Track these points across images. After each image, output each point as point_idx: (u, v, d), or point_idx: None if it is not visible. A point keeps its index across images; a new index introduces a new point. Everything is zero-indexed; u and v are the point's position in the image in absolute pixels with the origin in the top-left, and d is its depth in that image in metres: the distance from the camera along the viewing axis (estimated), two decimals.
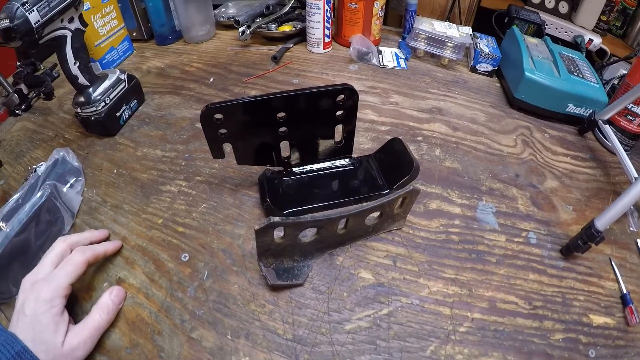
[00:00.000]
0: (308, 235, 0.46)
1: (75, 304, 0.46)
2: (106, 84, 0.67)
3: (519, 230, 0.56)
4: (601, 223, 0.50)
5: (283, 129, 0.53)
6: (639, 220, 0.60)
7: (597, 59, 0.96)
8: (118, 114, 0.70)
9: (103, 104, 0.66)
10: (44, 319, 0.39)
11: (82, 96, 0.65)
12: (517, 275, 0.50)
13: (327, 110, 0.52)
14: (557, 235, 0.56)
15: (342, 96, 0.51)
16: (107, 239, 0.52)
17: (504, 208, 0.58)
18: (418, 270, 0.50)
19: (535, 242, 0.54)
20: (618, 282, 0.51)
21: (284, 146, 0.55)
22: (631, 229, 0.58)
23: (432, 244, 0.53)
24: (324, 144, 0.57)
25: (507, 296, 0.48)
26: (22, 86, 0.72)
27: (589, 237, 0.50)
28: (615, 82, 0.85)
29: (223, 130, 0.50)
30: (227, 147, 0.53)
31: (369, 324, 0.45)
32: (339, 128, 0.56)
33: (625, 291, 0.50)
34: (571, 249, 0.52)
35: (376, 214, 0.49)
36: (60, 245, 0.45)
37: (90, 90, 0.65)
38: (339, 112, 0.53)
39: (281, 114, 0.51)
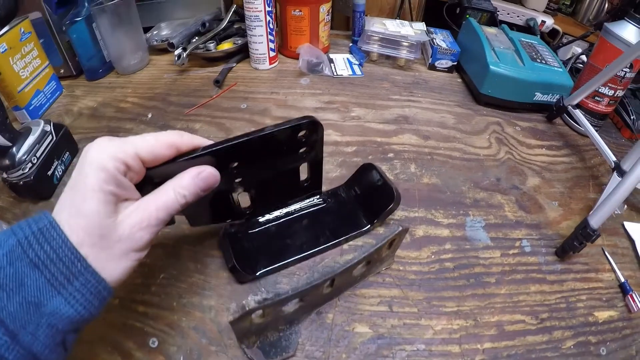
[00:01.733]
0: (291, 304, 0.39)
1: None
2: (30, 139, 0.58)
3: (512, 241, 0.53)
4: (595, 221, 0.49)
5: (238, 179, 0.45)
6: (622, 203, 0.59)
7: (550, 40, 0.95)
8: (49, 172, 0.60)
9: (30, 164, 0.56)
10: (89, 182, 0.28)
11: (6, 159, 0.55)
12: (518, 291, 0.48)
13: (287, 149, 0.45)
14: (549, 237, 0.54)
15: (304, 132, 0.44)
16: None
17: (493, 219, 0.55)
18: (417, 311, 0.45)
19: (529, 250, 0.52)
20: (614, 271, 0.51)
21: (243, 196, 0.48)
22: (616, 212, 0.58)
23: (427, 277, 0.48)
24: (289, 185, 0.50)
25: (513, 316, 0.46)
26: None
27: (584, 236, 0.49)
28: (574, 62, 0.85)
29: None
30: None
31: None
32: (304, 166, 0.49)
33: (622, 279, 0.50)
34: (567, 250, 0.51)
35: (363, 263, 0.43)
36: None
37: (14, 150, 0.55)
38: (302, 150, 0.46)
39: (233, 164, 0.43)
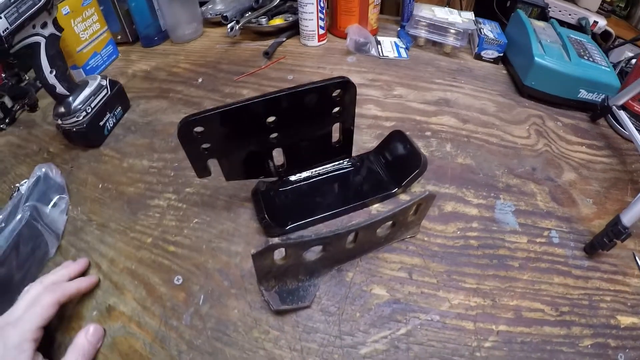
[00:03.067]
0: (313, 252, 0.41)
1: (66, 334, 0.42)
2: (86, 91, 0.62)
3: (541, 230, 0.52)
4: (627, 219, 0.47)
5: (274, 135, 0.47)
6: None
7: (602, 42, 0.92)
8: (101, 123, 0.65)
9: (84, 113, 0.61)
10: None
11: (62, 106, 0.60)
12: (541, 280, 0.47)
13: (322, 108, 0.47)
14: (579, 232, 0.52)
15: (339, 91, 0.46)
16: (86, 268, 0.48)
17: (523, 206, 0.55)
18: (436, 282, 0.46)
19: (557, 242, 0.51)
20: None
21: (277, 154, 0.50)
22: None
23: (450, 251, 0.49)
24: (321, 146, 0.52)
25: (533, 303, 0.45)
26: (6, 99, 0.71)
27: (615, 234, 0.47)
28: (623, 64, 0.82)
29: (205, 145, 0.44)
30: (214, 162, 0.47)
31: (387, 347, 0.40)
32: (337, 127, 0.51)
33: None
34: (596, 247, 0.49)
35: (389, 223, 0.44)
36: (35, 288, 0.41)
37: (70, 99, 0.60)
38: (336, 109, 0.48)
39: (270, 119, 0.45)
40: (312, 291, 0.43)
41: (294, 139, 0.49)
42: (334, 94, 0.46)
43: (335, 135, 0.52)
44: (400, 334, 0.41)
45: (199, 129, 0.42)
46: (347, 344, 0.40)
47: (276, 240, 0.35)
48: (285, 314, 0.43)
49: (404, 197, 0.54)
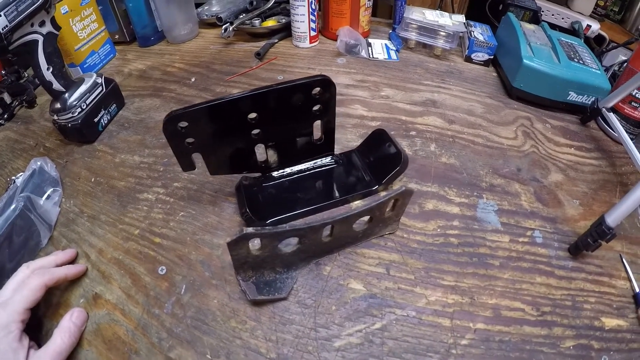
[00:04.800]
0: (290, 245, 0.42)
1: (54, 320, 0.44)
2: (82, 88, 0.64)
3: (524, 229, 0.52)
4: (612, 219, 0.46)
5: (256, 131, 0.48)
6: None
7: (596, 46, 0.92)
8: (96, 119, 0.66)
9: (79, 109, 0.63)
10: (0, 345, 0.36)
11: (58, 102, 0.61)
12: (522, 279, 0.47)
13: (302, 105, 0.48)
14: (564, 232, 0.52)
15: (319, 89, 0.47)
16: (74, 259, 0.49)
17: (507, 205, 0.55)
18: (414, 278, 0.46)
19: (541, 242, 0.51)
20: (630, 281, 0.48)
21: (260, 150, 0.51)
22: None
23: (429, 248, 0.49)
24: (304, 143, 0.53)
25: (513, 302, 0.45)
26: (5, 95, 0.73)
27: (599, 234, 0.46)
28: (616, 68, 0.82)
29: (190, 140, 0.45)
30: (198, 156, 0.48)
31: (361, 340, 0.41)
32: (318, 124, 0.51)
33: (637, 290, 0.47)
34: (580, 248, 0.49)
35: (365, 218, 0.44)
36: (23, 271, 0.43)
37: (66, 96, 0.62)
38: (316, 107, 0.49)
39: (252, 115, 0.46)
40: (289, 283, 0.43)
41: (276, 136, 0.50)
42: (314, 92, 0.47)
43: (318, 133, 0.53)
44: (375, 329, 0.42)
45: (183, 123, 0.43)
46: (322, 337, 0.41)
47: (250, 229, 0.36)
48: (263, 305, 0.43)
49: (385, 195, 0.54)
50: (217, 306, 0.43)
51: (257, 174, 0.54)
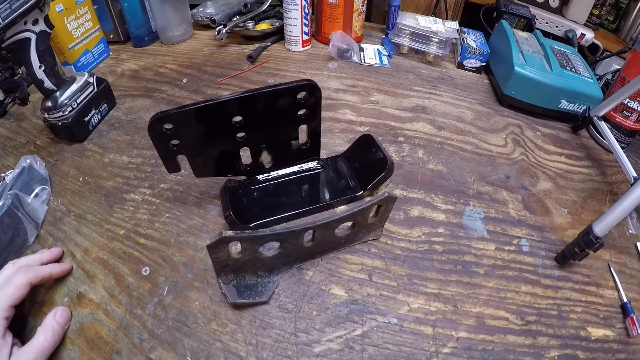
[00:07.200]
0: (271, 249, 0.41)
1: (38, 318, 0.44)
2: (73, 87, 0.64)
3: (510, 238, 0.52)
4: (600, 228, 0.46)
5: (241, 134, 0.48)
6: (638, 222, 0.56)
7: (590, 54, 0.92)
8: (86, 118, 0.66)
9: (70, 108, 0.63)
10: None
11: (49, 101, 0.61)
12: (507, 288, 0.46)
13: (288, 109, 0.48)
14: (551, 241, 0.52)
15: (304, 93, 0.47)
16: (59, 257, 0.49)
17: (493, 213, 0.54)
18: (396, 285, 0.45)
19: (527, 250, 0.50)
20: (618, 290, 0.48)
21: (245, 153, 0.51)
22: (630, 231, 0.55)
23: (413, 255, 0.49)
24: (289, 147, 0.53)
25: (497, 311, 0.44)
26: None
27: (586, 243, 0.46)
28: (609, 77, 0.82)
29: (175, 142, 0.45)
30: (184, 158, 0.48)
31: (341, 346, 0.40)
32: (303, 128, 0.51)
33: (625, 300, 0.47)
34: (567, 257, 0.48)
35: (348, 224, 0.44)
36: (9, 268, 0.42)
37: (57, 94, 0.62)
38: (301, 111, 0.49)
39: (237, 118, 0.46)
40: (271, 287, 0.43)
41: (261, 139, 0.50)
42: (299, 96, 0.47)
43: (304, 137, 0.53)
44: (355, 335, 0.41)
45: (168, 125, 0.43)
46: (302, 342, 0.40)
47: (230, 232, 0.36)
48: (244, 308, 0.43)
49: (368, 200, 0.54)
50: (198, 308, 0.43)
51: (243, 177, 0.53)
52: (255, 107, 0.46)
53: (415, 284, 0.46)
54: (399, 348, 0.40)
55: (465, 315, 0.43)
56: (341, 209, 0.53)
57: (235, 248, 0.39)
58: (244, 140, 0.49)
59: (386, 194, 0.41)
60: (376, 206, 0.43)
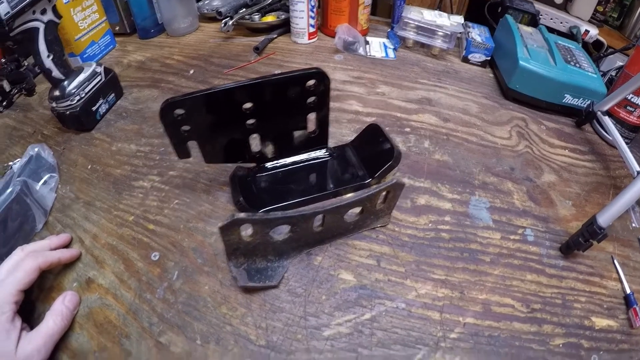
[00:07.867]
0: (281, 233, 0.42)
1: (46, 304, 0.44)
2: (81, 77, 0.64)
3: (515, 227, 0.52)
4: (603, 219, 0.47)
5: (251, 121, 0.48)
6: None
7: (594, 51, 0.92)
8: (94, 108, 0.66)
9: (78, 97, 0.63)
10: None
11: (57, 90, 0.62)
12: (513, 276, 0.47)
13: (297, 97, 0.48)
14: (555, 232, 0.52)
15: (313, 81, 0.47)
16: (68, 243, 0.49)
17: (499, 203, 0.55)
18: (404, 271, 0.46)
19: (532, 240, 0.51)
20: (621, 282, 0.48)
21: (255, 140, 0.51)
22: (633, 225, 0.54)
23: (420, 242, 0.49)
24: (298, 135, 0.53)
25: (503, 299, 0.45)
26: (5, 83, 0.72)
27: (590, 234, 0.47)
28: (613, 73, 0.82)
29: (186, 127, 0.46)
30: (194, 145, 0.49)
31: (350, 330, 0.41)
32: (312, 116, 0.52)
33: (628, 291, 0.47)
34: (571, 247, 0.49)
35: (357, 209, 0.45)
36: (17, 254, 0.43)
37: (65, 83, 0.62)
38: (310, 99, 0.49)
39: (248, 105, 0.46)
40: (280, 272, 0.44)
41: (270, 126, 0.50)
42: (308, 84, 0.47)
43: (312, 126, 0.53)
44: (364, 319, 0.42)
45: (179, 111, 0.44)
46: (312, 325, 0.41)
47: (242, 214, 0.36)
48: (253, 292, 0.43)
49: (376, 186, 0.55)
50: (208, 292, 0.44)
51: (252, 164, 0.54)
52: (265, 94, 0.46)
53: (423, 270, 0.46)
54: (407, 332, 0.41)
55: (472, 301, 0.44)
56: (349, 195, 0.53)
57: (247, 232, 0.39)
58: (254, 126, 0.49)
59: (394, 180, 0.42)
60: (384, 192, 0.43)
